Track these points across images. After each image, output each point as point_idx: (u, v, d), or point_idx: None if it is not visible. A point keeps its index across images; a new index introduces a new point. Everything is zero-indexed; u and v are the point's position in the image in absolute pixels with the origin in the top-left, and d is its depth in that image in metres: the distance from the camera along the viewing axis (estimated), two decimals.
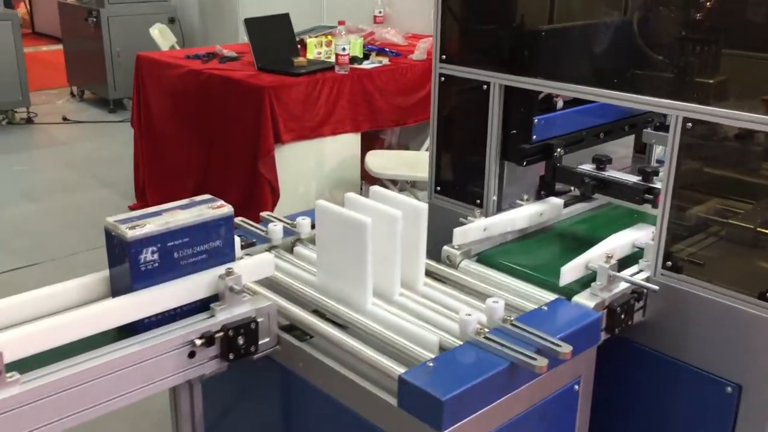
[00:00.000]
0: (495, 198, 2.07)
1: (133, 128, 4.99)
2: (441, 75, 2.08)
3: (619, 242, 1.80)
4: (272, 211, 4.25)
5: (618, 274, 1.66)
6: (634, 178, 1.93)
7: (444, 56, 2.06)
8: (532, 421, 1.50)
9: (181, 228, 1.46)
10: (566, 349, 1.42)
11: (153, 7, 7.38)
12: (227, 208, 1.54)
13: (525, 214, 1.98)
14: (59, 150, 6.36)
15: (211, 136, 4.47)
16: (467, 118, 2.06)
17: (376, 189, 1.78)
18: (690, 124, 1.60)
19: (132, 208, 4.99)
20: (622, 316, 1.67)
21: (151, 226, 1.44)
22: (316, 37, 4.85)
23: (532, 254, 1.92)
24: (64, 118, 7.15)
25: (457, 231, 1.85)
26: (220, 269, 1.52)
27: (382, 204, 1.68)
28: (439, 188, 2.19)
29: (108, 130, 6.87)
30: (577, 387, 1.59)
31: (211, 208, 1.53)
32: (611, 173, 1.98)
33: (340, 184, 4.41)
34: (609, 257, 1.67)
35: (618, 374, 1.82)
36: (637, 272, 1.76)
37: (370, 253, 1.58)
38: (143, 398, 1.42)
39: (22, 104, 6.96)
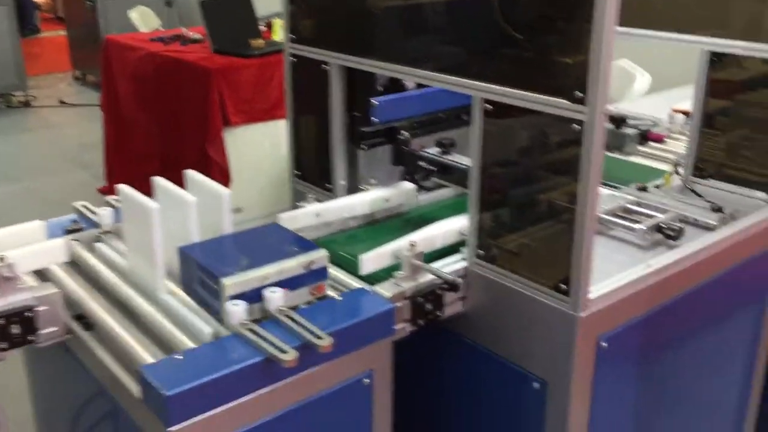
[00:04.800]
0: (344, 182, 2.00)
1: (102, 112, 5.02)
2: (291, 55, 2.02)
3: (442, 229, 1.72)
4: None
5: (420, 263, 1.58)
6: None
7: (293, 36, 1.99)
8: (306, 415, 1.44)
9: None
10: (325, 342, 1.35)
11: None
12: None
13: (366, 199, 1.91)
14: (48, 133, 6.46)
15: (168, 120, 4.48)
16: (316, 100, 1.98)
17: (189, 174, 1.73)
18: (489, 106, 1.51)
19: (101, 191, 5.03)
20: (428, 307, 1.59)
21: None
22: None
23: (368, 242, 1.84)
24: (61, 102, 7.25)
25: (283, 216, 1.79)
26: None
27: (183, 191, 1.63)
28: (297, 172, 2.13)
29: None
30: (367, 380, 1.52)
31: None
32: (454, 157, 1.89)
33: None
34: (412, 245, 1.59)
35: (440, 366, 1.75)
36: (460, 260, 1.68)
37: (158, 241, 1.54)
38: None
39: (20, 88, 7.08)
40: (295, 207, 1.92)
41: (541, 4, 1.42)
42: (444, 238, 1.72)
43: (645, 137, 2.08)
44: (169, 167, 4.54)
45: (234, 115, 4.08)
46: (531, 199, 1.52)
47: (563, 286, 1.46)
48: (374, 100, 1.88)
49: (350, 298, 1.55)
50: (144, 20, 5.87)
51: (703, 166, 2.11)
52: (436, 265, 1.67)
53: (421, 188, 2.05)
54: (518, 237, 1.56)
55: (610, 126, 2.06)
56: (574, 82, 1.35)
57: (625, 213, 1.86)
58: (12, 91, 7.04)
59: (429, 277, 1.61)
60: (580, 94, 1.35)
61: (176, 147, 4.44)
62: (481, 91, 1.52)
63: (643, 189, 2.01)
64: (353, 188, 2.03)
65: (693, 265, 1.69)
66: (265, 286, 1.50)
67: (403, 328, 1.59)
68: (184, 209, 1.58)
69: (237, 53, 4.23)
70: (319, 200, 1.87)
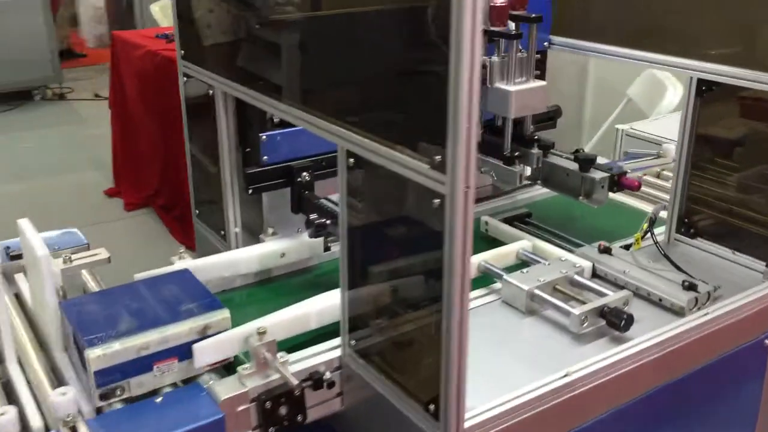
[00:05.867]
0: (237, 230, 1.66)
1: (111, 109, 4.83)
2: (184, 74, 1.69)
3: (317, 305, 1.37)
4: None
5: (269, 356, 1.23)
6: None
7: (183, 51, 1.67)
8: None
9: None
10: None
11: None
12: None
13: (255, 254, 1.57)
14: (75, 128, 6.34)
15: (168, 122, 4.22)
16: (209, 129, 1.66)
17: (21, 224, 1.43)
18: (352, 160, 1.15)
19: (107, 193, 4.85)
20: (282, 412, 1.24)
21: None
22: None
23: (251, 308, 1.52)
24: (96, 95, 7.14)
25: (138, 276, 1.47)
26: None
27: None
28: (198, 211, 1.81)
29: None
30: None
31: None
32: None
33: None
34: (261, 333, 1.24)
35: None
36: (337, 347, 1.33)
37: None
38: None
39: (55, 80, 7.00)
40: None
41: (402, 45, 1.05)
42: (320, 318, 1.37)
43: (618, 183, 1.67)
44: (170, 172, 4.30)
45: None
46: (400, 285, 1.15)
47: (432, 407, 1.09)
48: (263, 135, 1.54)
49: (173, 400, 1.22)
50: (166, 14, 5.65)
51: (691, 220, 1.68)
52: (313, 350, 1.32)
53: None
54: (388, 331, 1.20)
55: (574, 167, 1.66)
56: (433, 141, 0.97)
57: (570, 287, 1.47)
58: (48, 83, 6.97)
59: (297, 368, 1.26)
60: (439, 158, 0.97)
61: (176, 152, 4.18)
62: (343, 139, 1.15)
63: (606, 251, 1.60)
64: (256, 236, 1.70)
65: (639, 366, 1.28)
66: (144, 358, 1.23)
67: None
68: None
69: None
70: (216, 251, 1.54)
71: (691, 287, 1.44)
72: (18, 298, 1.59)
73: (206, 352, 1.25)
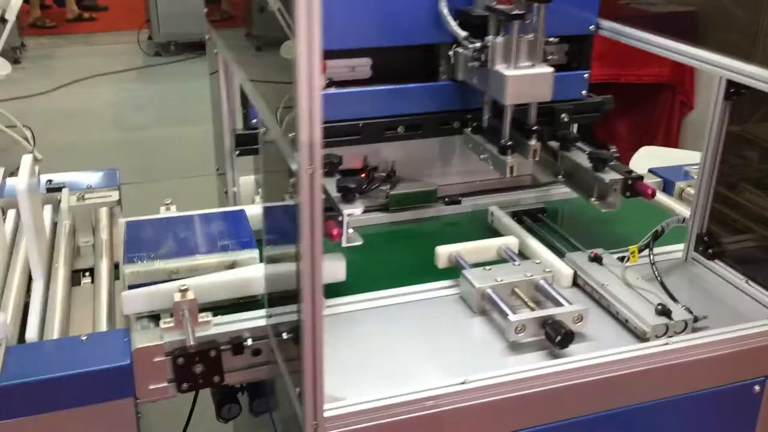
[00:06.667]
0: (235, 189, 1.70)
1: None
2: (206, 33, 1.74)
3: (262, 272, 1.36)
4: None
5: (187, 314, 1.25)
6: None
7: (206, 9, 1.72)
8: None
9: None
10: None
11: None
12: None
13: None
14: None
15: None
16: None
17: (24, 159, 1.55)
18: (263, 130, 1.13)
19: None
20: (196, 371, 1.27)
21: None
22: None
23: None
24: None
25: (122, 221, 1.56)
26: None
27: None
28: (218, 168, 1.87)
29: None
30: None
31: None
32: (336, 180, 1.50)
33: None
34: (183, 289, 1.27)
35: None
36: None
37: None
38: None
39: None
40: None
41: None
42: (261, 285, 1.37)
43: (631, 188, 1.50)
44: None
45: None
46: (287, 267, 1.12)
47: (297, 389, 1.07)
48: None
49: (96, 340, 1.28)
50: None
51: (711, 239, 1.48)
52: (247, 315, 1.33)
53: None
54: (285, 311, 1.17)
55: (588, 166, 1.51)
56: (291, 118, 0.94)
57: (534, 292, 1.35)
58: None
59: (211, 331, 1.28)
60: (292, 135, 0.93)
61: None
62: (260, 105, 1.14)
63: (597, 259, 1.45)
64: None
65: (557, 388, 1.16)
66: (173, 281, 1.32)
67: (164, 388, 1.28)
68: None
69: None
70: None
71: (663, 312, 1.27)
72: None
73: (136, 300, 1.30)
